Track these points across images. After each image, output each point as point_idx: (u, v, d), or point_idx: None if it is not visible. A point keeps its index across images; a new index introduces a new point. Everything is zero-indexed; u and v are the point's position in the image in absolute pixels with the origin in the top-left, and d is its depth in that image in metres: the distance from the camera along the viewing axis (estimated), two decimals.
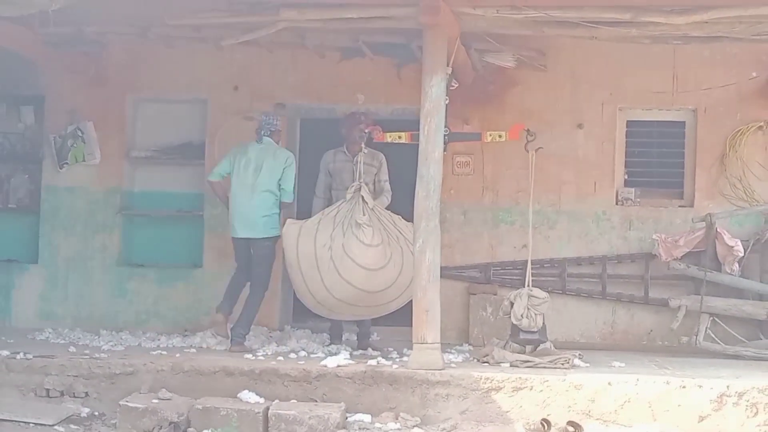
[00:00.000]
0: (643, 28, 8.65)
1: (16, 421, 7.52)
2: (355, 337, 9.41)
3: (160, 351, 8.91)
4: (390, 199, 9.26)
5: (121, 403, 7.74)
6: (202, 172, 10.46)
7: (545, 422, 7.62)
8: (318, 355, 8.63)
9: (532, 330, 8.64)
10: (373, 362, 8.34)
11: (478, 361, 8.64)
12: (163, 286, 10.48)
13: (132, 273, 10.55)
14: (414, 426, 7.70)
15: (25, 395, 8.11)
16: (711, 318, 9.42)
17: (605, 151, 10.22)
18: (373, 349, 9.00)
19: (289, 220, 9.16)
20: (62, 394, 8.11)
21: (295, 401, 7.76)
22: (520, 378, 7.91)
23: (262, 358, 8.53)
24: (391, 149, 9.52)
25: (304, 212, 9.75)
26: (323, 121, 10.30)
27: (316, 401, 7.86)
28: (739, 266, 9.53)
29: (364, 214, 8.77)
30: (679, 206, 10.21)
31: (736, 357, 9.12)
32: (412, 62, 9.84)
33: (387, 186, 9.29)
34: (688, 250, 9.60)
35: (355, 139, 9.17)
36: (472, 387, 7.86)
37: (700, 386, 7.71)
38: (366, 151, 9.16)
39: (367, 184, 8.98)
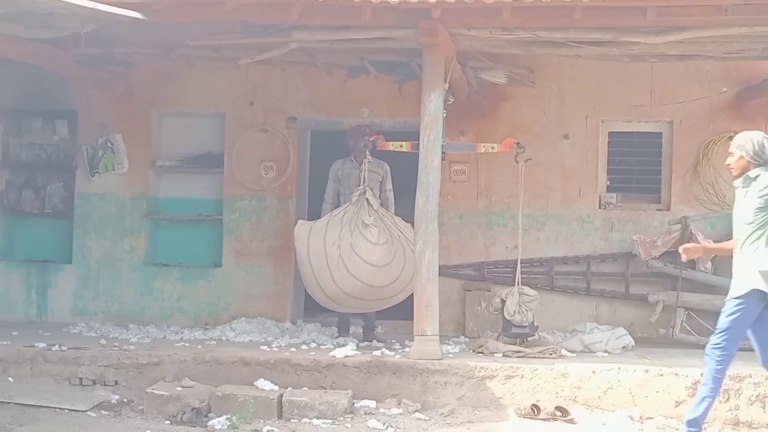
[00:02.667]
0: (623, 48, 8.67)
1: (52, 407, 7.53)
2: (361, 330, 9.41)
3: (183, 343, 8.92)
4: (393, 210, 9.27)
5: (147, 390, 7.75)
6: (221, 180, 10.52)
7: (535, 407, 7.62)
8: (327, 347, 8.64)
9: (523, 325, 8.64)
10: (377, 353, 8.35)
11: (474, 351, 8.64)
12: (185, 284, 10.49)
13: (157, 272, 10.55)
14: (415, 411, 7.70)
15: (60, 384, 8.13)
16: (686, 312, 9.42)
17: (589, 160, 10.22)
18: (377, 341, 9.00)
19: (300, 221, 9.19)
20: (94, 382, 8.12)
21: (306, 389, 7.76)
22: (511, 367, 7.91)
23: (276, 349, 8.55)
24: (393, 158, 9.52)
25: (313, 215, 9.78)
26: (332, 133, 10.31)
27: (326, 389, 7.86)
28: (712, 264, 9.52)
29: (370, 216, 8.80)
30: (657, 210, 10.21)
31: None
32: (413, 79, 9.86)
33: (391, 196, 9.30)
34: (665, 250, 9.60)
35: (361, 148, 9.18)
36: (468, 375, 7.86)
37: (677, 374, 7.71)
38: (372, 160, 9.18)
39: (372, 189, 9.00)
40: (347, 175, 9.29)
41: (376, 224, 8.79)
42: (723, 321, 6.50)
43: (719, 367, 6.46)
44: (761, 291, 6.30)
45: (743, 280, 6.37)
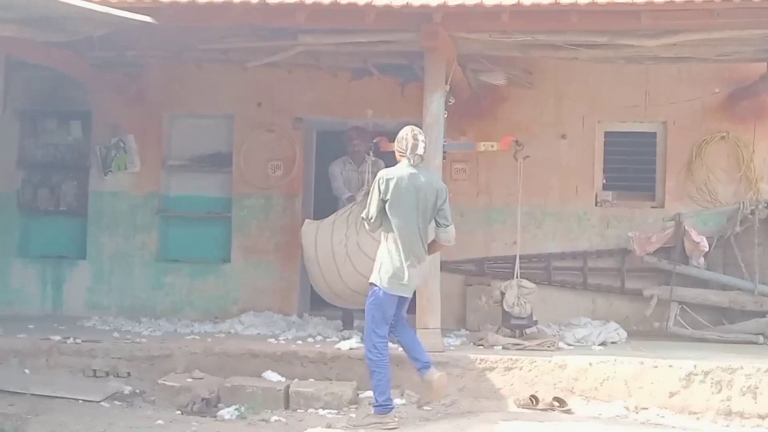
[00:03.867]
0: (618, 50, 8.66)
1: (67, 397, 7.55)
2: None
3: (193, 336, 8.92)
4: None
5: (159, 381, 7.78)
6: (229, 179, 10.51)
7: (533, 398, 7.62)
8: (332, 340, 8.64)
9: (522, 317, 8.64)
10: None
11: (474, 344, 8.63)
12: (195, 279, 10.48)
13: (168, 267, 10.54)
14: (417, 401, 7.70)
15: (75, 375, 8.15)
16: (680, 306, 9.39)
17: (585, 159, 10.20)
18: None
19: (307, 221, 9.17)
20: (107, 374, 8.14)
21: (312, 380, 7.78)
22: (511, 359, 7.91)
23: (283, 342, 8.55)
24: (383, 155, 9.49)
25: (319, 212, 9.77)
26: (337, 133, 10.30)
27: (331, 380, 7.87)
28: (705, 260, 9.51)
29: None
30: (651, 207, 10.19)
31: (702, 340, 9.09)
32: (415, 81, 9.83)
33: None
34: (659, 246, 9.59)
35: (356, 150, 9.13)
36: (468, 367, 7.87)
37: (671, 366, 7.70)
38: (373, 159, 9.17)
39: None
40: (347, 177, 9.30)
41: None
42: None
43: None
44: None
45: None
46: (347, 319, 9.36)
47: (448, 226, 7.00)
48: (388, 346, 7.04)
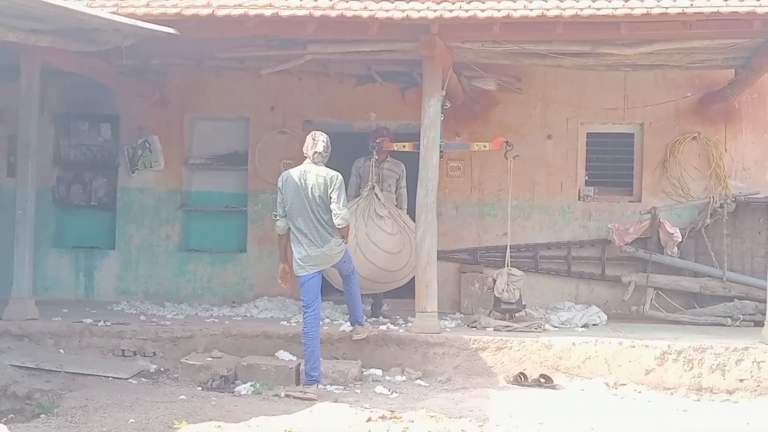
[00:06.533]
0: (599, 58, 8.66)
1: (98, 375, 7.58)
2: (369, 308, 9.41)
3: (212, 319, 8.94)
4: (406, 206, 9.17)
5: (182, 360, 7.80)
6: (245, 176, 10.51)
7: (522, 375, 7.63)
8: (339, 322, 8.63)
9: (511, 302, 8.65)
10: (383, 327, 8.37)
11: (468, 326, 8.64)
12: (215, 267, 10.48)
13: (190, 257, 10.55)
14: (417, 378, 7.73)
15: (105, 355, 8.18)
16: (655, 291, 9.40)
17: (569, 158, 10.20)
18: (383, 317, 9.01)
19: None
20: (134, 353, 8.17)
21: (321, 359, 7.78)
22: (501, 340, 7.93)
23: (294, 324, 8.55)
24: (397, 156, 9.50)
25: None
26: (343, 134, 10.27)
27: (338, 359, 7.89)
28: (678, 249, 9.51)
29: (384, 209, 8.80)
30: (629, 201, 10.18)
31: (676, 322, 9.10)
32: (414, 86, 9.84)
33: (404, 192, 9.18)
34: (636, 237, 9.60)
35: (377, 147, 9.10)
36: (463, 347, 7.89)
37: (647, 346, 7.72)
38: (390, 160, 9.16)
39: (379, 184, 8.98)
40: (366, 172, 9.27)
41: (390, 216, 8.82)
42: None
43: None
44: None
45: None
46: (376, 304, 9.28)
47: (338, 211, 7.14)
48: (318, 323, 7.31)
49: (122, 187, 10.67)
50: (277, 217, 7.37)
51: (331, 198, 7.14)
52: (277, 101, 10.42)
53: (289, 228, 7.29)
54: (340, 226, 7.20)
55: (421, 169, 8.20)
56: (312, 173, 7.21)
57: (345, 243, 7.35)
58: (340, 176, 7.30)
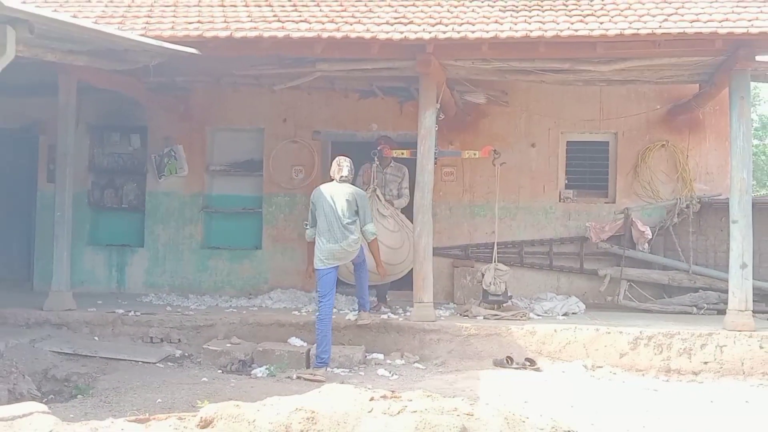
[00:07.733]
0: (578, 74, 8.66)
1: (129, 359, 7.59)
2: (375, 297, 9.37)
3: (231, 309, 8.95)
4: (407, 202, 9.09)
5: (204, 346, 7.81)
6: (260, 181, 10.50)
7: (509, 359, 7.64)
8: (345, 312, 8.64)
9: (498, 293, 8.64)
10: (384, 316, 8.37)
11: (461, 315, 8.65)
12: (233, 263, 10.47)
13: (211, 253, 10.54)
14: (415, 362, 7.73)
15: (135, 342, 8.19)
16: (628, 283, 9.40)
17: (551, 164, 10.19)
18: (384, 307, 9.01)
19: None
20: (162, 340, 8.18)
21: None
22: (490, 327, 7.95)
23: (305, 314, 8.57)
24: (401, 161, 9.47)
25: None
26: (347, 143, 10.29)
27: (344, 344, 7.89)
28: (649, 246, 9.51)
29: (387, 209, 8.80)
30: (605, 202, 10.17)
31: (647, 311, 9.10)
32: (411, 100, 9.83)
33: (406, 192, 9.15)
34: (611, 234, 9.59)
35: (378, 154, 9.06)
36: (456, 334, 7.89)
37: (621, 332, 7.73)
38: (393, 164, 9.16)
39: (381, 187, 8.97)
40: (369, 176, 9.26)
41: (392, 216, 8.83)
42: None
43: None
44: None
45: None
46: (381, 294, 9.24)
47: (365, 224, 7.55)
48: (331, 311, 7.45)
49: (150, 191, 10.66)
50: (308, 227, 7.70)
51: (358, 215, 7.51)
52: (288, 114, 10.42)
53: (315, 235, 7.52)
54: (368, 240, 7.60)
55: (418, 174, 8.21)
56: (340, 190, 7.52)
57: (360, 242, 7.60)
58: (364, 194, 7.73)
